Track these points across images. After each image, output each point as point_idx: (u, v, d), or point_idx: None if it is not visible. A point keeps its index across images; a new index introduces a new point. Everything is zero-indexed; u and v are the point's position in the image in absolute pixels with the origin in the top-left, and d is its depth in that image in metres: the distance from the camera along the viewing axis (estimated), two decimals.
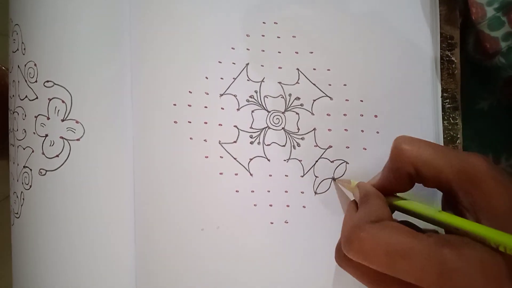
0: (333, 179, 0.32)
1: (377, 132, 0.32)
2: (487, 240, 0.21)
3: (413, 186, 0.27)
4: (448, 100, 0.34)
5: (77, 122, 0.30)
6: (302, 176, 0.32)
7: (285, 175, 0.32)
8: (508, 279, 0.21)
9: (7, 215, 0.32)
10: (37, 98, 0.30)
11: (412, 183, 0.27)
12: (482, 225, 0.23)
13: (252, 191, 0.32)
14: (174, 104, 0.31)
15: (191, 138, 0.31)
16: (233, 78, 0.32)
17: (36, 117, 0.30)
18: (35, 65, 0.30)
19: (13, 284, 0.31)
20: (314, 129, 0.32)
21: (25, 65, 0.30)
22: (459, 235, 0.23)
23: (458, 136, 0.34)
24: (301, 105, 0.32)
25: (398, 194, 0.28)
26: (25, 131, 0.30)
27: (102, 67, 0.30)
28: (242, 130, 0.32)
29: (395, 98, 0.33)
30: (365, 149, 0.32)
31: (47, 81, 0.30)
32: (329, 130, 0.32)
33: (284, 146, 0.32)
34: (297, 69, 0.33)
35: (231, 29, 0.32)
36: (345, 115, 0.32)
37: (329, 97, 0.32)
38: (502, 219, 0.22)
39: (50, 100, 0.30)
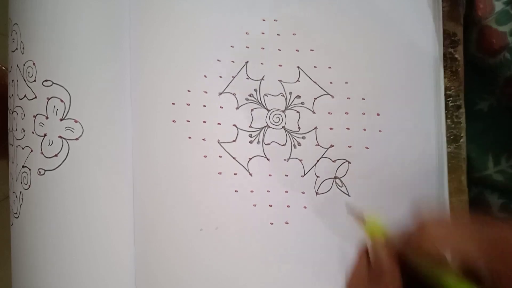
0: (348, 208, 0.29)
1: (380, 131, 0.32)
2: None
3: None
4: (451, 98, 0.33)
5: (76, 121, 0.30)
6: (303, 176, 0.32)
7: (285, 175, 0.32)
8: None
9: (6, 215, 0.32)
10: (36, 97, 0.30)
11: None
12: None
13: (252, 191, 0.31)
14: (173, 103, 0.31)
15: (189, 137, 0.31)
16: (232, 77, 0.32)
17: (35, 116, 0.30)
18: (34, 64, 0.30)
19: (13, 284, 0.31)
20: (315, 128, 0.32)
21: (24, 65, 0.30)
22: None
23: (462, 135, 0.33)
24: (302, 103, 0.32)
25: None
26: (24, 131, 0.30)
27: (101, 66, 0.30)
28: (241, 129, 0.31)
29: (397, 96, 0.32)
30: (368, 148, 0.32)
31: (46, 80, 0.30)
32: (331, 129, 0.32)
33: (284, 145, 0.32)
34: (298, 67, 0.32)
35: (230, 27, 0.32)
36: (346, 113, 0.32)
37: (331, 95, 0.32)
38: None
39: (49, 99, 0.30)
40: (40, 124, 0.30)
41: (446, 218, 0.23)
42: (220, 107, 0.31)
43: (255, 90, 0.32)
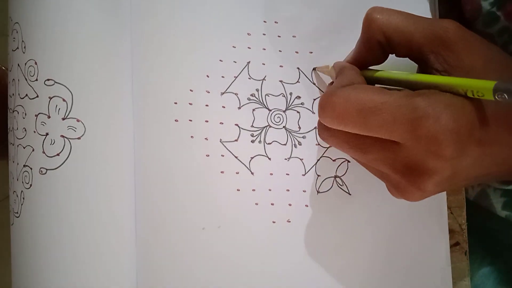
0: (313, 69, 0.33)
1: None
2: (455, 88, 0.22)
3: (386, 58, 0.27)
4: None
5: (78, 120, 0.30)
6: (304, 175, 0.32)
7: (286, 174, 0.32)
8: (477, 120, 0.22)
9: (6, 215, 0.32)
10: (37, 96, 0.30)
11: (384, 54, 0.27)
12: (451, 76, 0.23)
13: (253, 190, 0.31)
14: (175, 103, 0.31)
15: (192, 137, 0.31)
16: (234, 77, 0.32)
17: (36, 115, 0.30)
18: (35, 63, 0.30)
19: (12, 284, 0.31)
20: (315, 127, 0.32)
21: (25, 64, 0.30)
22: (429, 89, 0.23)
23: None
24: (302, 104, 0.33)
25: None
26: (25, 130, 0.30)
27: (103, 65, 0.30)
28: (243, 129, 0.32)
29: None
30: None
31: (48, 80, 0.30)
32: None
33: (285, 144, 0.32)
34: (298, 68, 0.33)
35: (232, 27, 0.32)
36: None
37: None
38: (475, 78, 0.22)
39: (50, 98, 0.30)
40: (42, 123, 0.30)
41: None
42: (222, 106, 0.32)
43: (257, 90, 0.32)
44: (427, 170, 0.23)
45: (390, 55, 0.27)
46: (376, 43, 0.26)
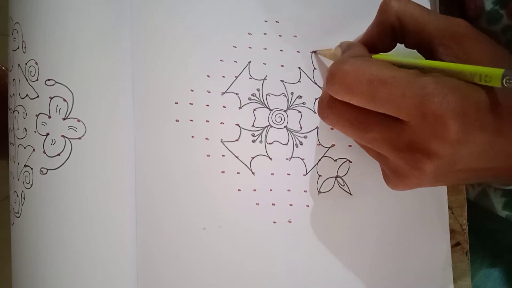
0: (313, 52, 0.33)
1: None
2: (463, 74, 0.23)
3: (394, 47, 0.28)
4: None
5: (78, 120, 0.30)
6: (305, 175, 0.32)
7: (288, 174, 0.32)
8: (483, 105, 0.23)
9: (7, 215, 0.32)
10: (38, 96, 0.30)
11: (394, 42, 0.27)
12: (459, 63, 0.24)
13: (254, 190, 0.31)
14: (176, 103, 0.31)
15: (192, 137, 0.31)
16: (235, 76, 0.32)
17: (37, 115, 0.30)
18: (36, 63, 0.30)
19: (13, 284, 0.31)
20: (317, 127, 0.32)
21: (25, 64, 0.30)
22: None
23: None
24: (303, 103, 0.32)
25: None
26: (25, 130, 0.30)
27: (104, 65, 0.30)
28: (244, 129, 0.32)
29: None
30: None
31: (49, 80, 0.30)
32: (332, 128, 0.32)
33: (286, 144, 0.32)
34: (299, 67, 0.33)
35: (233, 27, 0.32)
36: None
37: None
38: None
39: (51, 98, 0.30)
40: (43, 123, 0.30)
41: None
42: (223, 106, 0.32)
43: (258, 90, 0.32)
44: (429, 151, 0.23)
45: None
46: (389, 27, 0.27)
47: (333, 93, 0.25)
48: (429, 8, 0.34)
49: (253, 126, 0.32)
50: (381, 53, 0.28)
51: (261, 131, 0.32)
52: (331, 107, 0.26)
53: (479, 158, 0.24)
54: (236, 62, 0.32)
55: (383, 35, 0.27)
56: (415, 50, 0.27)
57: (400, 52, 0.28)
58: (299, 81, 0.33)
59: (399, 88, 0.23)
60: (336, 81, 0.24)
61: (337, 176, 0.32)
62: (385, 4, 0.26)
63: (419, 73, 0.23)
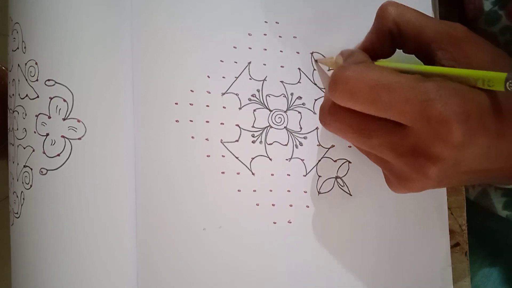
0: (315, 60, 0.33)
1: None
2: (466, 79, 0.23)
3: (393, 52, 0.28)
4: None
5: (78, 121, 0.30)
6: (305, 176, 0.32)
7: (287, 174, 0.32)
8: (486, 108, 0.23)
9: (7, 215, 0.32)
10: (38, 97, 0.30)
11: (393, 47, 0.28)
12: (461, 69, 0.24)
13: (254, 191, 0.31)
14: (176, 103, 0.31)
15: (192, 137, 0.31)
16: (235, 77, 0.32)
17: (37, 116, 0.30)
18: (36, 63, 0.30)
19: (12, 285, 0.31)
20: (317, 128, 0.32)
21: (25, 64, 0.30)
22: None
23: None
24: (303, 104, 0.32)
25: None
26: (25, 130, 0.30)
27: (104, 65, 0.30)
28: (244, 129, 0.32)
29: None
30: None
31: (48, 80, 0.29)
32: None
33: (286, 145, 0.32)
34: (299, 68, 0.33)
35: (233, 28, 0.32)
36: None
37: None
38: None
39: (51, 99, 0.29)
40: (43, 123, 0.30)
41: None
42: (223, 107, 0.32)
43: (258, 90, 0.32)
44: (433, 155, 0.23)
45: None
46: (388, 33, 0.27)
47: (336, 99, 0.25)
48: (430, 9, 0.34)
49: (253, 126, 0.32)
50: (382, 59, 0.28)
51: (261, 131, 0.32)
52: (333, 114, 0.26)
53: (482, 160, 0.24)
54: (236, 62, 0.32)
55: (382, 41, 0.27)
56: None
57: (401, 58, 0.28)
58: (299, 82, 0.33)
59: (401, 93, 0.23)
60: (338, 87, 0.24)
61: (337, 177, 0.32)
62: (382, 11, 0.27)
63: (421, 78, 0.23)
